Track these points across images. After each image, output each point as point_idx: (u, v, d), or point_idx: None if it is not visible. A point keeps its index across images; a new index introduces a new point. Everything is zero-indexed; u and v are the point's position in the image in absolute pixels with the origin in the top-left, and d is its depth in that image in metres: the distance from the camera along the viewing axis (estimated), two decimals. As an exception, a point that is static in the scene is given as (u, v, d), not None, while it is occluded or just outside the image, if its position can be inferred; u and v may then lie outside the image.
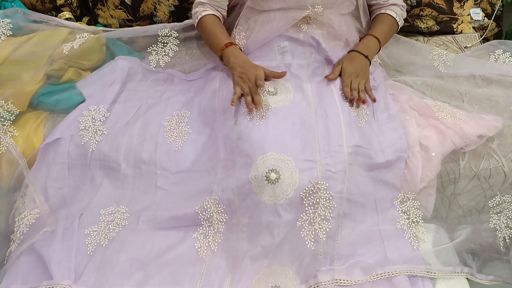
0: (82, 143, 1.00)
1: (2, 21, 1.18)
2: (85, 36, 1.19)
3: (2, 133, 1.01)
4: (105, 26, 1.44)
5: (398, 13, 1.16)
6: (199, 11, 1.14)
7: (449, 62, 1.23)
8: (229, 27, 1.21)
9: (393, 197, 0.94)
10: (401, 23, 1.19)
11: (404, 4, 1.19)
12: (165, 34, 1.29)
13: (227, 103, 1.00)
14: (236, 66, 1.02)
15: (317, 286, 0.82)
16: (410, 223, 0.92)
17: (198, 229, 0.90)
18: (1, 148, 0.99)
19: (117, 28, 1.44)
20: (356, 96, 0.97)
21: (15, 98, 1.07)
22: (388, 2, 1.16)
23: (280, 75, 1.00)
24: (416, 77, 1.21)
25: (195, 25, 1.17)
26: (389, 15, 1.16)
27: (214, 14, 1.14)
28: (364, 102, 0.97)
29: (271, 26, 1.11)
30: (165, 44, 1.29)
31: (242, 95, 0.97)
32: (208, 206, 0.89)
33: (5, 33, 1.18)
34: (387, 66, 1.24)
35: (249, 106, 0.93)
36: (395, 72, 1.24)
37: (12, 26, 1.19)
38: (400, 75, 1.21)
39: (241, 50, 1.09)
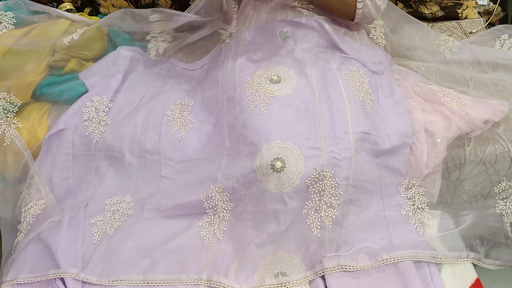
0: (86, 133, 1.00)
1: (6, 15, 1.18)
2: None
3: (6, 125, 1.01)
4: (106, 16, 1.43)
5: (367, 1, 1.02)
6: None
7: (455, 49, 1.22)
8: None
9: (398, 183, 0.93)
10: (361, 2, 1.02)
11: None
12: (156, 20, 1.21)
13: (230, 92, 0.99)
14: None
15: (323, 272, 0.83)
16: (415, 210, 0.92)
17: (203, 217, 0.91)
18: (6, 140, 0.99)
19: (118, 18, 1.43)
20: None
21: (18, 89, 1.07)
22: None
23: None
24: (420, 63, 1.20)
25: None
26: None
27: None
28: None
29: (270, 8, 1.10)
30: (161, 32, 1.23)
31: None
32: (213, 194, 0.89)
33: (8, 27, 1.17)
34: (392, 50, 1.22)
35: None
36: (399, 58, 1.22)
37: (15, 20, 1.18)
38: (405, 60, 1.19)
39: None
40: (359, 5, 1.04)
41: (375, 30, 1.25)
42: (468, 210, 0.96)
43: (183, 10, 1.42)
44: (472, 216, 0.92)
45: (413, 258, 0.83)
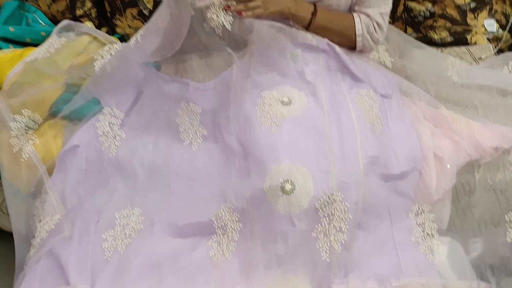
0: (103, 148, 1.01)
1: (59, 38, 1.22)
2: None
3: (25, 141, 1.03)
4: (123, 36, 1.47)
5: (363, 25, 1.09)
6: None
7: (463, 72, 1.23)
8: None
9: (407, 208, 0.93)
10: (360, 36, 1.09)
11: (381, 22, 1.10)
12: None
13: (241, 112, 1.01)
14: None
15: (331, 297, 0.82)
16: (425, 236, 0.91)
17: (213, 237, 0.91)
18: (23, 155, 1.01)
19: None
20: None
21: (35, 105, 1.10)
22: (363, 11, 1.10)
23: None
24: (429, 85, 1.21)
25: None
26: (352, 17, 1.10)
27: None
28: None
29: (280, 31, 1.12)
30: None
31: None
32: (223, 214, 0.89)
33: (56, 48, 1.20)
34: (401, 74, 1.23)
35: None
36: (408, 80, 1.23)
37: (65, 42, 1.22)
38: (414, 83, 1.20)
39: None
40: (358, 38, 1.10)
41: (378, 53, 1.27)
42: (478, 237, 0.95)
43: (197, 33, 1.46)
44: (482, 244, 0.92)
45: (422, 285, 0.82)
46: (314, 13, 1.07)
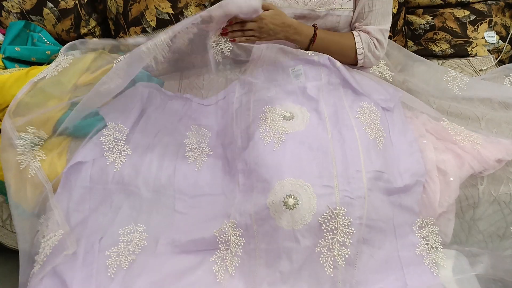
0: (107, 163, 1.02)
1: (67, 59, 1.24)
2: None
3: (32, 158, 1.04)
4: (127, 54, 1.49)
5: (364, 45, 1.11)
6: None
7: (463, 85, 1.23)
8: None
9: (411, 222, 0.93)
10: (361, 54, 1.11)
11: (381, 40, 1.12)
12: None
13: (244, 128, 1.02)
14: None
15: (337, 314, 0.82)
16: (429, 249, 0.91)
17: (216, 252, 0.91)
18: (30, 172, 1.02)
19: (137, 55, 1.49)
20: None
21: (40, 123, 1.11)
22: (364, 28, 1.11)
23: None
24: (431, 98, 1.22)
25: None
26: (353, 35, 1.11)
27: None
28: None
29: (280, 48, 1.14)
30: None
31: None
32: (226, 229, 0.89)
33: (64, 67, 1.22)
34: (402, 88, 1.24)
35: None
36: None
37: (71, 61, 1.24)
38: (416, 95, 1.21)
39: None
40: (359, 57, 1.12)
41: (378, 67, 1.28)
42: (484, 250, 0.95)
43: (199, 50, 1.48)
44: (488, 257, 0.91)
45: (428, 300, 0.82)
46: (313, 36, 1.08)
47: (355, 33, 1.11)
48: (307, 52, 1.10)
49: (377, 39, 1.12)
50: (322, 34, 1.09)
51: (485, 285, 0.87)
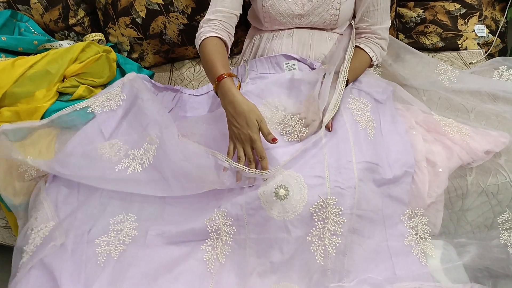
0: (97, 155, 0.99)
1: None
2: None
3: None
4: (116, 44, 1.47)
5: (376, 53, 1.14)
6: (204, 31, 1.06)
7: (454, 79, 1.24)
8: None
9: (400, 212, 0.94)
10: (376, 61, 1.15)
11: (387, 38, 1.15)
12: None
13: None
14: (228, 114, 0.91)
15: (326, 303, 0.82)
16: (418, 239, 0.92)
17: (206, 241, 0.91)
18: (20, 167, 1.01)
19: (127, 46, 1.47)
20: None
21: (27, 114, 1.10)
22: (370, 28, 1.13)
23: (273, 141, 0.88)
24: (421, 91, 1.22)
25: (198, 49, 1.08)
26: (365, 51, 1.13)
27: (218, 36, 1.05)
28: None
29: (276, 42, 1.14)
30: None
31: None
32: (217, 218, 0.89)
33: None
34: (394, 79, 1.25)
35: (238, 178, 0.87)
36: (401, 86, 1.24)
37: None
38: (406, 88, 1.21)
39: (238, 79, 1.03)
40: (374, 62, 1.15)
41: None
42: (472, 240, 0.96)
43: (190, 40, 1.47)
44: (475, 247, 0.92)
45: (416, 289, 0.83)
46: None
47: (366, 49, 1.13)
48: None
49: (384, 39, 1.14)
50: (350, 75, 1.08)
51: (472, 273, 0.88)
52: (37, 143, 1.08)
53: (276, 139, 0.87)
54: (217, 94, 0.97)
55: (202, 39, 1.05)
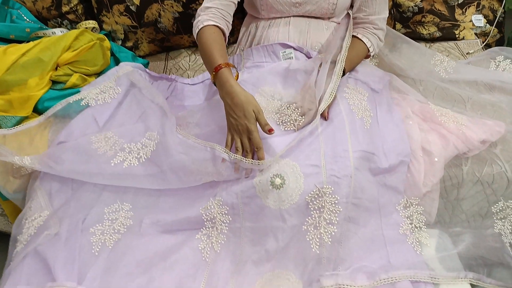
0: (92, 147, 0.98)
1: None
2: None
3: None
4: (110, 33, 1.45)
5: (374, 43, 1.13)
6: (201, 20, 1.04)
7: (450, 69, 1.24)
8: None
9: (396, 201, 0.94)
10: (373, 52, 1.15)
11: (384, 29, 1.14)
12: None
13: None
14: (226, 105, 0.91)
15: (321, 291, 0.82)
16: (413, 228, 0.92)
17: (202, 229, 0.90)
18: (14, 165, 1.00)
19: (121, 34, 1.45)
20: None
21: (20, 103, 1.08)
22: (368, 18, 1.12)
23: (269, 132, 0.87)
24: (418, 81, 1.22)
25: (195, 37, 1.06)
26: (363, 42, 1.12)
27: (215, 25, 1.04)
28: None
29: (273, 30, 1.13)
30: None
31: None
32: (212, 206, 0.89)
33: None
34: (390, 70, 1.24)
35: (236, 168, 0.87)
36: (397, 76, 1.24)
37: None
38: (402, 79, 1.21)
39: (236, 69, 1.01)
40: (371, 53, 1.14)
41: None
42: (466, 229, 0.96)
43: (185, 28, 1.46)
44: (470, 236, 0.93)
45: (411, 278, 0.83)
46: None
47: (364, 39, 1.12)
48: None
49: (382, 29, 1.13)
50: (347, 65, 1.07)
51: (466, 262, 0.88)
52: (30, 131, 1.07)
53: (273, 130, 0.87)
54: (215, 84, 0.96)
55: (199, 27, 1.04)
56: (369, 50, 1.14)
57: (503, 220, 0.98)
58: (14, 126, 1.08)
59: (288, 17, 1.14)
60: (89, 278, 0.83)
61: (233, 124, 0.89)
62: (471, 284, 0.87)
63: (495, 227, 0.97)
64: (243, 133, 0.88)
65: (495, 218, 0.98)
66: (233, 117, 0.89)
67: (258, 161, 0.85)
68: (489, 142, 1.00)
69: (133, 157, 0.96)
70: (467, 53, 1.43)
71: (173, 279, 0.84)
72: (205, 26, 1.03)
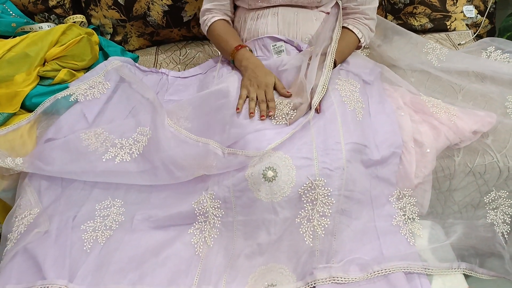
0: (82, 143, 0.97)
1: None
2: None
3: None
4: (98, 27, 1.43)
5: (365, 34, 1.13)
6: (208, 18, 1.16)
7: (443, 57, 1.23)
8: None
9: (388, 193, 0.94)
10: (364, 43, 1.15)
11: (375, 18, 1.14)
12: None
13: (223, 100, 0.99)
14: (248, 69, 1.03)
15: (314, 283, 0.82)
16: (406, 220, 0.92)
17: (194, 224, 0.90)
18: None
19: (110, 28, 1.43)
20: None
21: (7, 99, 1.06)
22: (359, 8, 1.11)
23: (287, 95, 0.98)
24: (409, 72, 1.21)
25: (206, 34, 1.18)
26: (353, 32, 1.12)
27: (223, 19, 1.17)
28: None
29: (261, 22, 1.11)
30: None
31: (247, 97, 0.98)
32: (204, 200, 0.88)
33: None
34: (381, 61, 1.23)
35: (251, 112, 0.94)
36: (389, 67, 1.23)
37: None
38: (394, 70, 1.20)
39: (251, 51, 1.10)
40: (362, 44, 1.15)
41: None
42: (458, 220, 0.96)
43: (174, 21, 1.44)
44: (462, 226, 0.93)
45: (404, 269, 0.83)
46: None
47: (354, 30, 1.12)
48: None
49: (373, 19, 1.13)
50: (338, 56, 1.07)
51: (458, 252, 0.89)
52: (21, 130, 1.05)
53: (291, 93, 0.97)
54: (233, 63, 1.09)
55: (208, 24, 1.16)
56: (360, 41, 1.13)
57: (495, 210, 0.98)
58: (2, 123, 1.06)
59: (275, 6, 1.12)
60: (80, 275, 0.82)
61: (250, 80, 0.99)
62: (464, 275, 0.87)
63: (488, 217, 0.97)
64: (260, 87, 0.97)
65: (487, 208, 0.98)
66: (253, 76, 1.00)
67: (250, 151, 0.85)
68: (481, 133, 1.00)
69: (125, 152, 0.95)
70: (458, 44, 1.43)
71: (166, 274, 0.83)
72: (215, 21, 1.15)
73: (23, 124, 1.06)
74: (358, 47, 1.16)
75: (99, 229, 0.89)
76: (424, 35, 1.48)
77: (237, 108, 0.95)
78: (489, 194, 0.99)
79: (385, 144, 0.93)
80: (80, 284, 0.81)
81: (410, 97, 1.07)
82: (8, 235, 0.91)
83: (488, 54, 1.26)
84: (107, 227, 0.89)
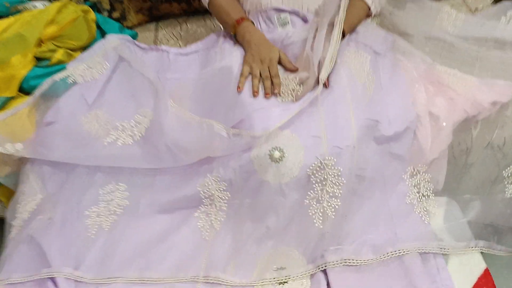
0: (83, 127, 0.95)
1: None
2: None
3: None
4: (95, 4, 1.38)
5: (375, 1, 1.07)
6: None
7: (459, 23, 1.16)
8: None
9: (402, 170, 0.90)
10: (375, 11, 1.09)
11: None
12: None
13: (226, 78, 0.95)
14: (251, 43, 0.97)
15: (325, 266, 0.80)
16: (420, 197, 0.88)
17: (200, 207, 0.88)
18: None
19: (107, 4, 1.38)
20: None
21: (4, 83, 1.03)
22: None
23: (294, 69, 0.94)
24: (424, 41, 1.15)
25: (207, 6, 1.12)
26: (364, 1, 1.06)
27: None
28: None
29: None
30: None
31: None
32: (209, 183, 0.86)
33: None
34: (394, 31, 1.17)
35: (255, 90, 0.89)
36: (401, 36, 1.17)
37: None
38: (407, 39, 1.14)
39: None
40: (372, 12, 1.09)
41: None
42: (475, 196, 0.93)
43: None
44: (480, 202, 0.89)
45: (419, 249, 0.80)
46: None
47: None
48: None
49: None
50: (347, 25, 1.01)
51: (476, 230, 0.85)
52: (21, 114, 1.02)
53: (297, 68, 0.92)
54: (235, 37, 1.03)
55: None
56: (370, 9, 1.06)
57: (515, 184, 0.94)
58: (0, 107, 1.03)
59: None
60: (86, 262, 0.81)
61: (253, 56, 0.94)
62: (482, 253, 0.84)
63: (506, 192, 0.93)
64: (263, 62, 0.93)
65: (506, 182, 0.94)
66: (256, 51, 0.95)
67: (257, 132, 0.81)
68: (500, 104, 0.95)
69: (126, 135, 0.93)
70: (475, 9, 1.35)
71: (173, 260, 0.82)
72: None
73: (22, 108, 1.03)
74: (368, 16, 1.09)
75: (104, 214, 0.87)
76: (438, 1, 1.40)
77: (238, 87, 0.90)
78: (508, 168, 0.94)
79: (398, 119, 0.89)
80: (86, 272, 0.80)
81: (425, 67, 1.01)
82: (12, 222, 0.90)
83: (508, 19, 1.18)
84: (111, 212, 0.88)
